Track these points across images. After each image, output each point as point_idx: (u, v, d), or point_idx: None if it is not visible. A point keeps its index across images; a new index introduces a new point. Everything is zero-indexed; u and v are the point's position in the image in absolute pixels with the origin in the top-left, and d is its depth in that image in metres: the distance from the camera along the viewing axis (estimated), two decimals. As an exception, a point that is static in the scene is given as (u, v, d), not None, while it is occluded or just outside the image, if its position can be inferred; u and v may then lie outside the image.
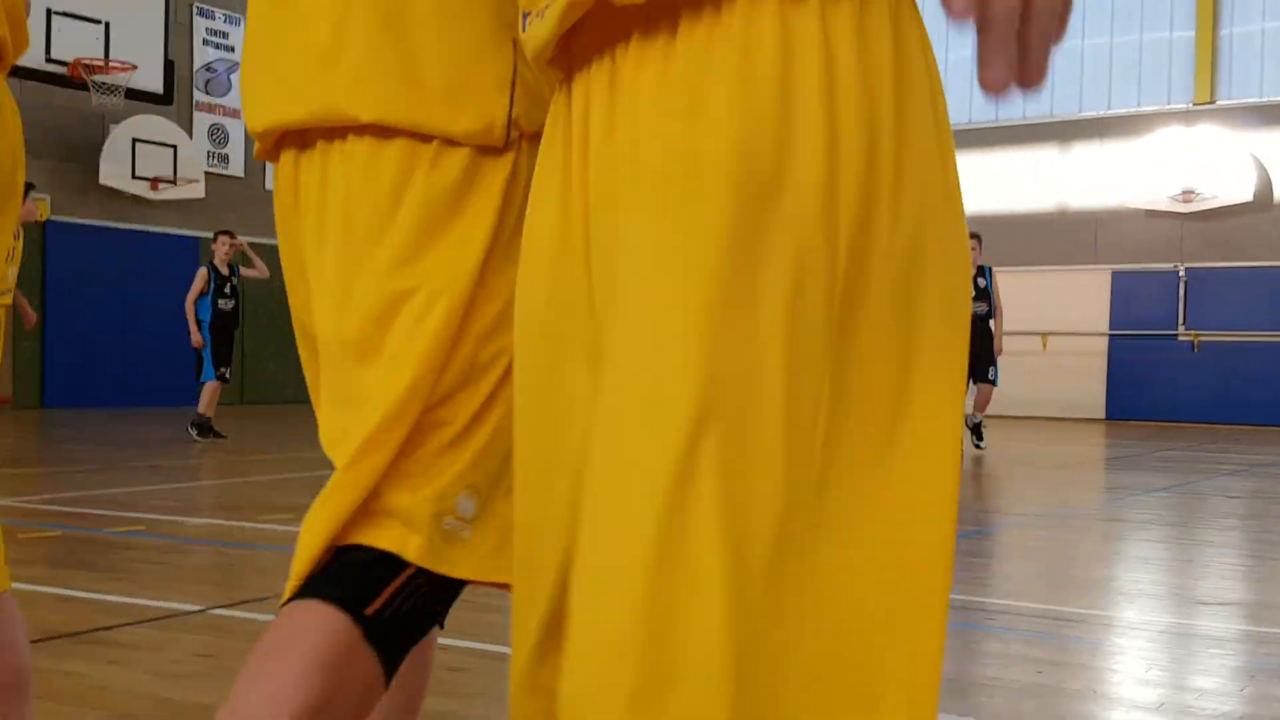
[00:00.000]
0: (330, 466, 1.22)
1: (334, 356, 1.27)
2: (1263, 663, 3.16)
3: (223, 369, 10.20)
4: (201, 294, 10.34)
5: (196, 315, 10.24)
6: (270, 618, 3.31)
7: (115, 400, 15.78)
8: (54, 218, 15.97)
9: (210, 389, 10.16)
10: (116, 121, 16.14)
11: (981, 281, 9.97)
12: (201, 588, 3.83)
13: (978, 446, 10.06)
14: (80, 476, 7.35)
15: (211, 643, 3.08)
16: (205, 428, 10.11)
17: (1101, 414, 17.73)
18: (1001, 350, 10.02)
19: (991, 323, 9.95)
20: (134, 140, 15.97)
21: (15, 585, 3.65)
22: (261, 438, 10.67)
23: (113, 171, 15.87)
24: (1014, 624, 3.61)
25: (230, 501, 6.35)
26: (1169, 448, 12.13)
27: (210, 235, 17.64)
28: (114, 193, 15.80)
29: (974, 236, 10.14)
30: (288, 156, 1.32)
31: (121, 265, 16.50)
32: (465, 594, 3.38)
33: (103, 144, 16.05)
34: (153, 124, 15.87)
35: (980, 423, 10.04)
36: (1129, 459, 10.73)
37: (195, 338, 10.18)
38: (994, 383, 10.00)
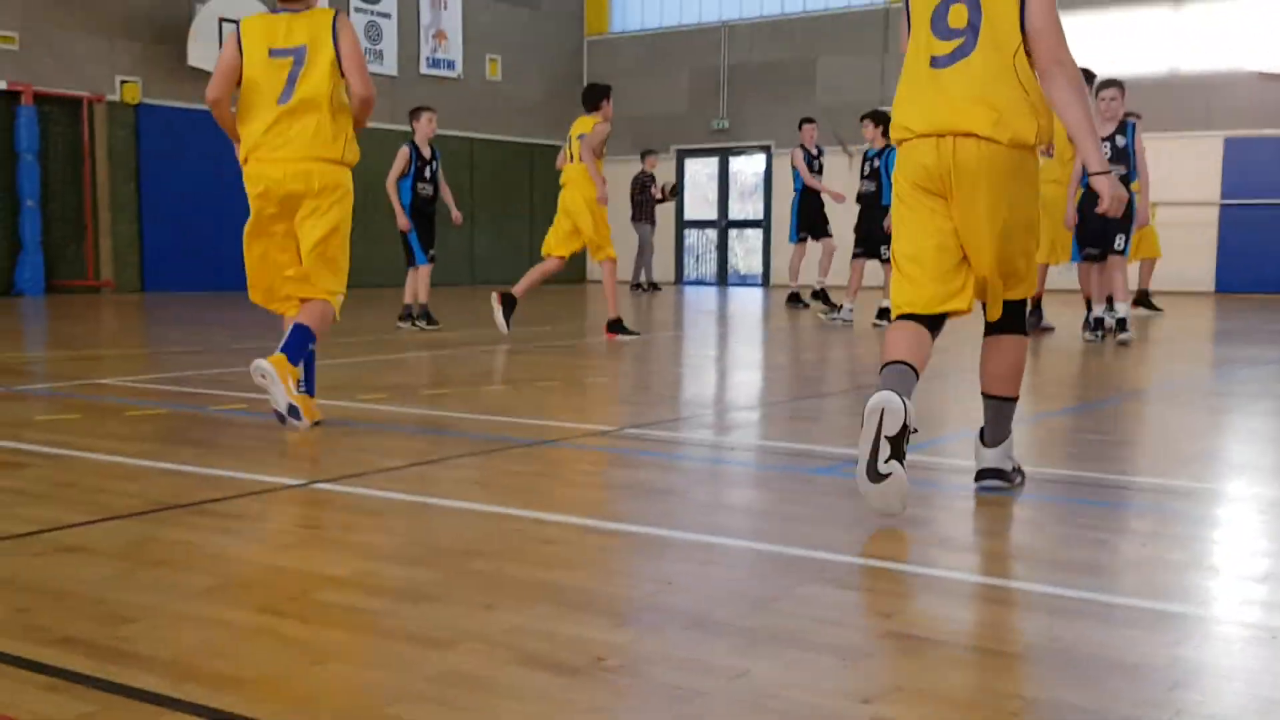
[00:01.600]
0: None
1: None
2: (1383, 538, 3.04)
3: (430, 251, 9.79)
4: (402, 175, 9.67)
5: (400, 198, 9.68)
6: (369, 492, 3.37)
7: (210, 283, 16.10)
8: (145, 100, 16.14)
9: (422, 274, 9.75)
10: (203, 1, 16.12)
11: (1121, 139, 8.66)
12: (303, 463, 3.92)
13: (1122, 335, 8.62)
14: (183, 358, 7.55)
15: (313, 515, 3.15)
16: (429, 316, 9.80)
17: (1211, 286, 17.13)
18: (1146, 221, 8.69)
19: (1133, 185, 8.61)
20: (220, 20, 15.96)
21: (126, 459, 3.76)
22: (350, 320, 10.82)
23: (200, 52, 15.93)
24: (1119, 497, 3.52)
25: (328, 382, 6.47)
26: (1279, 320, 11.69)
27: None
28: (203, 74, 15.85)
29: (1116, 84, 8.75)
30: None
31: (211, 147, 16.89)
32: (558, 473, 3.43)
33: (189, 25, 16.07)
34: (237, 2, 15.77)
35: (1127, 316, 8.67)
36: (1238, 332, 10.37)
37: (401, 221, 9.65)
38: (1124, 253, 8.79)
